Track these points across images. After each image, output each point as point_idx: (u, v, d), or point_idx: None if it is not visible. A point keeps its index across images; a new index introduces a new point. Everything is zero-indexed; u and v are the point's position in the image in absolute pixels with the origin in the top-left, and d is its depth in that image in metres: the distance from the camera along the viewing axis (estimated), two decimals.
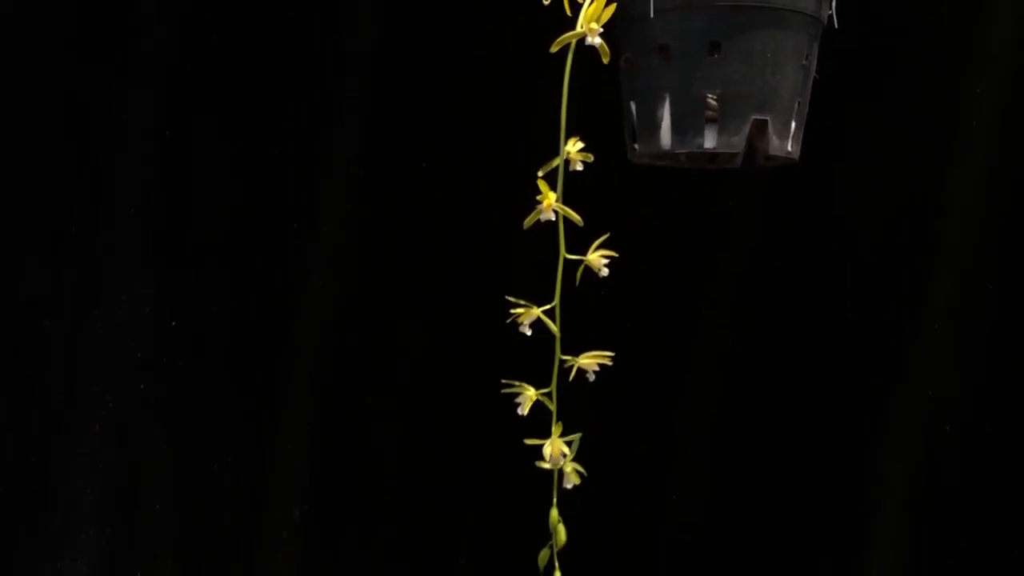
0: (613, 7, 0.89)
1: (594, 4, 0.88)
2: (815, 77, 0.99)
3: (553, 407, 0.96)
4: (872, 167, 1.26)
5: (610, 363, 0.96)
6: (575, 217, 0.93)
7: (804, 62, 0.94)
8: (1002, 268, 1.27)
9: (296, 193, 1.29)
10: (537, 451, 0.96)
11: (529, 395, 0.95)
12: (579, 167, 0.94)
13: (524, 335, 0.94)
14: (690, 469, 1.29)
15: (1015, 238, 1.27)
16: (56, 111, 1.26)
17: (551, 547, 0.97)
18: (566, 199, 0.94)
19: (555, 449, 0.95)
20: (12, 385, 1.27)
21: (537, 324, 0.95)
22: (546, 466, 0.96)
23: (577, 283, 0.95)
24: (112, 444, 1.28)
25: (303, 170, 1.29)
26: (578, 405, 0.99)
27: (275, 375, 1.29)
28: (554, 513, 0.97)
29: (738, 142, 0.91)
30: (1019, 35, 1.26)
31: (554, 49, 0.91)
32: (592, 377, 0.96)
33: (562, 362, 0.96)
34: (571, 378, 0.95)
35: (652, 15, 0.91)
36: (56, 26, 1.25)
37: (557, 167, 0.93)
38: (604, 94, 1.04)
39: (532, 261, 0.99)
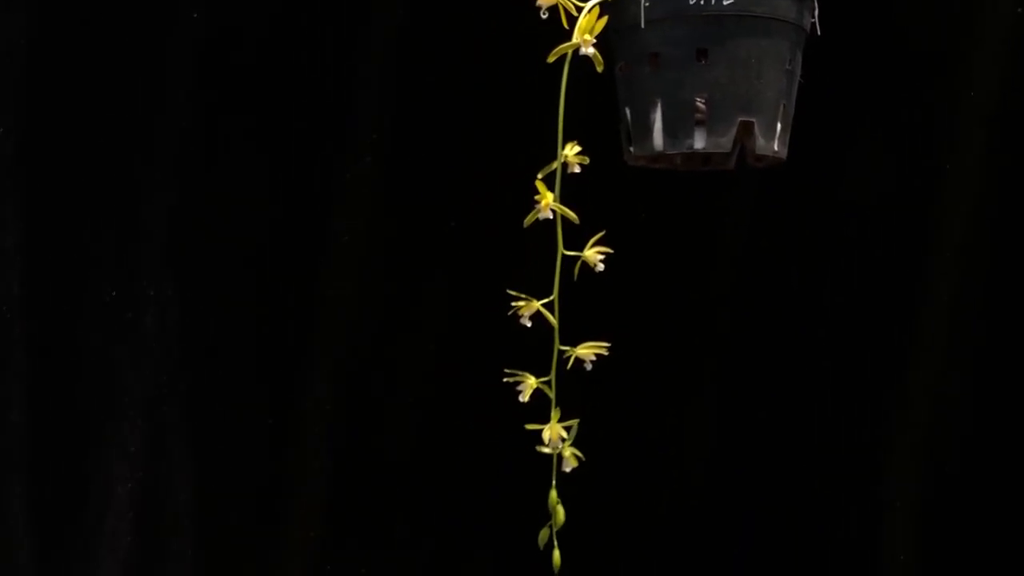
0: (605, 19, 0.94)
1: (587, 16, 0.94)
2: (800, 81, 1.04)
3: (552, 394, 1.01)
4: (867, 166, 1.32)
5: (607, 353, 1.02)
6: (571, 215, 0.98)
7: (788, 67, 0.99)
8: (1000, 264, 1.32)
9: (316, 199, 1.35)
10: (538, 436, 1.02)
11: (530, 383, 1.01)
12: (576, 170, 1.00)
13: (525, 327, 1.01)
14: (690, 454, 1.35)
15: (1013, 231, 1.32)
16: (80, 121, 1.33)
17: (551, 527, 1.03)
18: (567, 201, 1.00)
19: (554, 433, 1.00)
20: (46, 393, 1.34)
21: (538, 317, 1.01)
22: (546, 450, 1.02)
23: (575, 278, 1.01)
24: (141, 447, 1.35)
25: (323, 179, 1.35)
26: (577, 393, 1.05)
27: (295, 373, 1.36)
28: (553, 494, 1.02)
29: (726, 143, 0.97)
30: (1014, 34, 1.31)
31: (551, 59, 0.96)
32: (589, 366, 1.02)
33: (561, 352, 1.02)
34: (569, 367, 1.01)
35: (643, 25, 0.96)
36: (83, 37, 1.33)
37: (555, 170, 0.99)
38: (606, 101, 1.10)
39: (535, 258, 1.05)
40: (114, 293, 1.34)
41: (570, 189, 1.01)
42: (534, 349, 1.03)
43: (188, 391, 1.34)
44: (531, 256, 1.04)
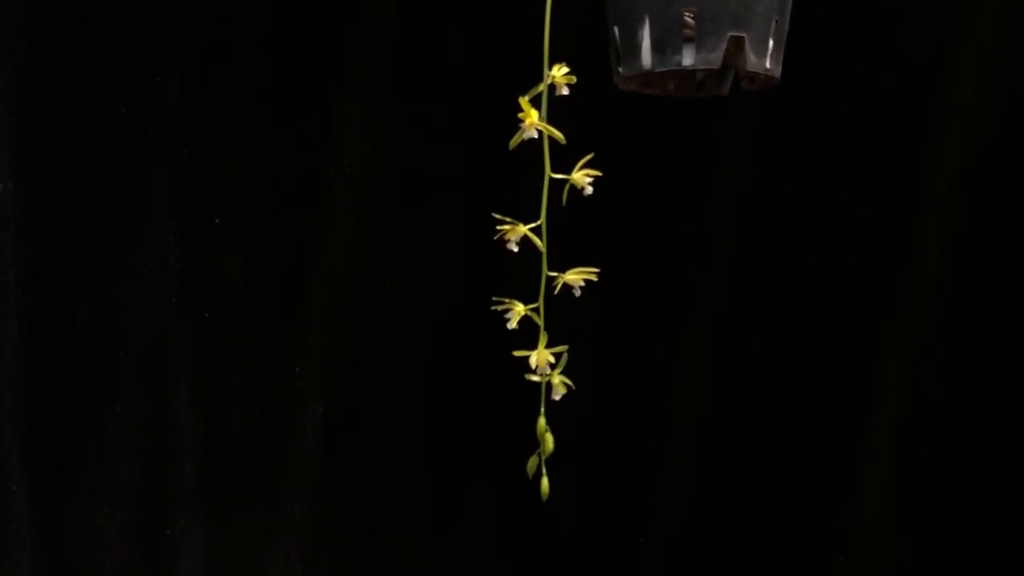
0: None
1: None
2: None
3: (540, 321, 1.00)
4: (860, 93, 1.29)
5: (595, 278, 1.00)
6: (558, 135, 0.96)
7: None
8: (995, 195, 1.30)
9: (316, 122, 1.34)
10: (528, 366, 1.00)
11: (517, 310, 0.99)
12: (565, 91, 0.97)
13: (512, 252, 0.99)
14: (682, 383, 1.34)
15: (1009, 157, 1.29)
16: (89, 95, 1.33)
17: (539, 455, 1.02)
18: (559, 127, 0.98)
19: (541, 360, 0.99)
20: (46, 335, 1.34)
21: (526, 243, 0.99)
22: (535, 378, 1.00)
23: (564, 202, 0.99)
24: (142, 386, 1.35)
25: (315, 111, 1.34)
26: (574, 322, 1.03)
27: (294, 310, 1.35)
28: (541, 422, 1.01)
29: (715, 59, 0.94)
30: None
31: None
32: (578, 292, 1.00)
33: (549, 278, 1.00)
34: (556, 292, 0.99)
35: None
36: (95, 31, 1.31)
37: (542, 91, 0.97)
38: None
39: (520, 182, 1.03)
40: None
41: (561, 114, 0.99)
42: (524, 278, 1.02)
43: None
44: (519, 182, 1.02)
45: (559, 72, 0.97)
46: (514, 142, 0.97)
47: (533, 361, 0.98)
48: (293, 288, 1.35)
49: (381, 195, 1.35)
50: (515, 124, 0.96)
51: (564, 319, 1.02)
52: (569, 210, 0.99)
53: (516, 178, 1.03)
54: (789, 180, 1.30)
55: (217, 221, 1.34)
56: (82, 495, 1.34)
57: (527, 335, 0.98)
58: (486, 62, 1.31)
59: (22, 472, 1.33)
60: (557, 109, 0.96)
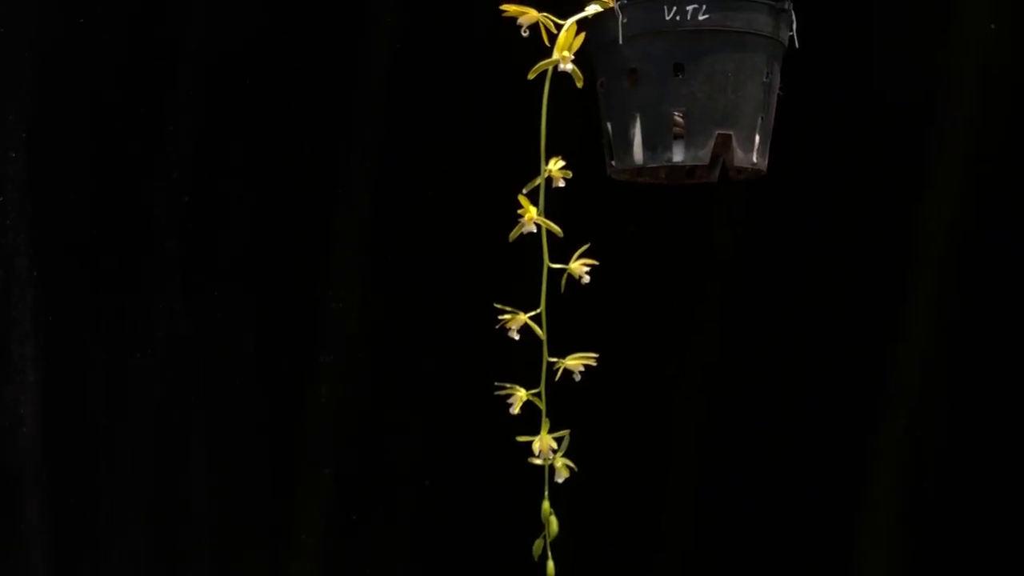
0: (582, 36, 0.97)
1: (565, 33, 0.97)
2: (779, 94, 1.06)
3: (542, 406, 1.03)
4: (844, 176, 1.33)
5: (595, 364, 1.03)
6: (555, 229, 1.00)
7: (765, 80, 1.01)
8: (974, 275, 1.33)
9: (316, 218, 1.38)
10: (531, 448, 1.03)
11: (520, 395, 1.03)
12: (561, 184, 1.02)
13: (513, 339, 1.02)
14: (680, 465, 1.36)
15: (989, 240, 1.33)
16: (97, 149, 1.36)
17: (544, 538, 1.04)
18: (555, 216, 1.02)
19: (544, 444, 1.02)
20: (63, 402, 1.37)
21: (527, 330, 1.03)
22: (537, 461, 1.03)
23: (562, 290, 1.03)
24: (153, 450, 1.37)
25: (321, 202, 1.38)
26: (575, 405, 1.06)
27: (300, 385, 1.38)
28: (546, 505, 1.03)
29: (704, 155, 0.99)
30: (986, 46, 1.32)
31: (531, 76, 0.99)
32: (578, 377, 1.03)
33: (550, 364, 1.03)
34: (557, 378, 1.02)
35: (621, 42, 0.99)
36: (102, 74, 1.36)
37: (539, 184, 1.01)
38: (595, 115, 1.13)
39: (521, 272, 1.07)
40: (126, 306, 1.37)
41: (559, 202, 1.03)
42: (526, 361, 1.06)
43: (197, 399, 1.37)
44: (522, 270, 1.06)
45: (555, 166, 1.01)
46: (513, 235, 1.01)
47: (536, 446, 1.02)
48: (301, 362, 1.38)
49: (382, 275, 1.38)
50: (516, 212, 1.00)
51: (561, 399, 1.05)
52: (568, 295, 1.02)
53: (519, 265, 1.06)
54: (780, 260, 1.34)
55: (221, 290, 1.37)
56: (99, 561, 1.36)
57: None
58: (488, 148, 1.36)
59: (44, 543, 1.35)
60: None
